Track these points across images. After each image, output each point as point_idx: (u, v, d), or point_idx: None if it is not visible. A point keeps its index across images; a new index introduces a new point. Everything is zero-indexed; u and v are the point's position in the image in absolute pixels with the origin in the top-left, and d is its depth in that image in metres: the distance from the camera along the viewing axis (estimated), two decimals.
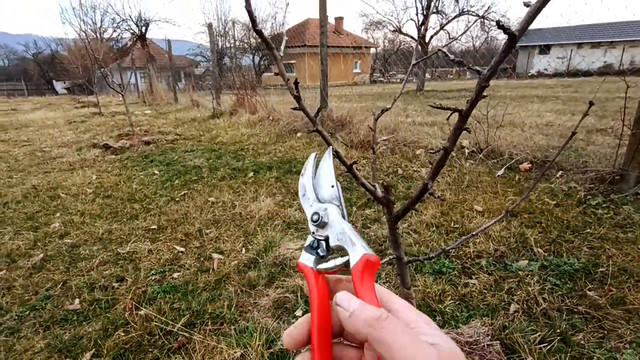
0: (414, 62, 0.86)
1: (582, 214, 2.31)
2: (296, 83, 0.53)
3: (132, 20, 22.21)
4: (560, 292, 1.58)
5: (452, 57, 0.47)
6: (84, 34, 10.37)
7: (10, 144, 6.03)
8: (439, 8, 12.88)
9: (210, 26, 8.15)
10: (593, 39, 28.05)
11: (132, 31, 23.41)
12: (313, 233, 0.36)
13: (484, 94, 0.40)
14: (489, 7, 13.64)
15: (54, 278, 1.97)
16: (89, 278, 1.95)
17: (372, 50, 38.77)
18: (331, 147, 0.41)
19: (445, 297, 1.60)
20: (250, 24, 0.44)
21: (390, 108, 0.90)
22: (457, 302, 1.56)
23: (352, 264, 0.31)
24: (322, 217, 0.35)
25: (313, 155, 0.42)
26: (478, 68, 0.40)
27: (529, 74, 30.68)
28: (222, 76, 11.64)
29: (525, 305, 1.53)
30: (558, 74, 28.40)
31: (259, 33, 0.45)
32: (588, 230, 2.11)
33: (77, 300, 1.76)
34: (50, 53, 37.86)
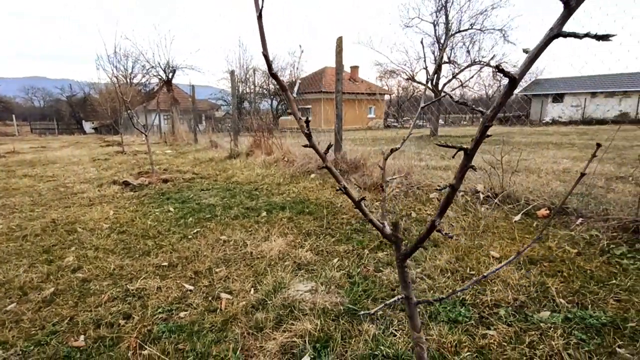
0: (422, 105, 0.88)
1: (606, 264, 2.21)
2: (307, 121, 0.55)
3: (161, 67, 23.68)
4: (587, 348, 1.47)
5: (455, 98, 0.49)
6: (115, 79, 11.08)
7: (36, 179, 6.27)
8: (451, 58, 13.36)
9: (232, 73, 8.63)
10: (607, 88, 28.31)
11: (159, 77, 24.88)
12: None
13: (489, 133, 0.40)
14: (499, 59, 14.09)
15: (62, 313, 1.96)
16: (96, 314, 1.93)
17: (386, 97, 39.95)
18: (342, 183, 0.40)
19: (462, 348, 1.50)
20: (267, 69, 0.47)
21: (399, 147, 0.92)
22: (474, 355, 1.47)
23: None
24: None
25: None
26: (481, 109, 0.42)
27: (543, 122, 30.83)
28: (241, 119, 12.09)
29: None
30: (573, 121, 28.46)
31: (274, 76, 0.48)
32: (614, 281, 2.00)
33: (82, 337, 1.73)
34: (82, 96, 40.35)
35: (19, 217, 3.86)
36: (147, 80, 28.84)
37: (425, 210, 3.38)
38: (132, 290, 2.19)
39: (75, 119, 40.84)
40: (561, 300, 1.84)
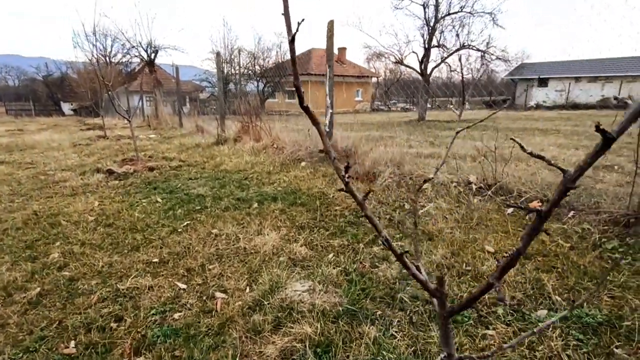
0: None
1: (599, 259, 2.24)
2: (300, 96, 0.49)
3: (142, 47, 22.81)
4: (585, 349, 1.49)
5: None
6: (94, 58, 10.59)
7: (14, 166, 6.01)
8: (440, 42, 13.24)
9: (218, 54, 8.34)
10: (590, 73, 28.75)
11: (141, 57, 24.02)
12: None
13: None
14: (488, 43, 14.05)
15: (49, 316, 1.88)
16: (86, 317, 1.86)
17: (374, 79, 39.70)
18: (383, 234, 0.34)
19: (463, 351, 1.50)
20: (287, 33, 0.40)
21: (432, 178, 0.86)
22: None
23: None
24: None
25: None
26: (562, 167, 0.36)
27: (528, 106, 31.24)
28: (227, 101, 11.82)
29: None
30: (557, 106, 28.93)
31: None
32: (607, 277, 2.03)
33: (72, 343, 1.67)
34: (60, 75, 38.71)
35: None
36: (127, 60, 27.81)
37: (419, 202, 3.37)
38: (123, 290, 2.12)
39: (52, 100, 39.28)
40: (557, 297, 1.86)
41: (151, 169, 5.15)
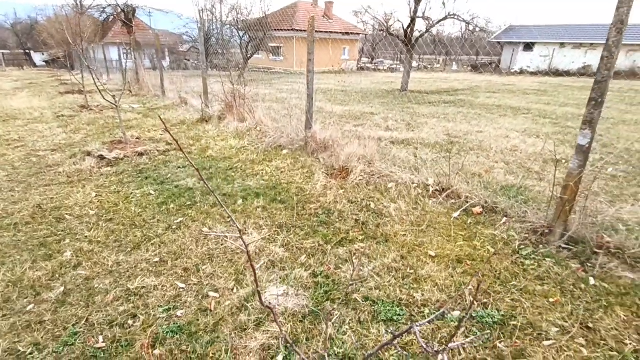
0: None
1: (514, 264, 2.84)
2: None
3: (119, 6, 21.57)
4: (477, 344, 2.09)
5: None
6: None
7: (3, 145, 6.19)
8: (426, 15, 13.20)
9: (200, 29, 8.29)
10: (576, 39, 28.91)
11: (118, 15, 22.74)
12: None
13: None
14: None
15: (77, 314, 2.37)
16: (106, 314, 2.36)
17: (361, 35, 38.70)
18: None
19: (393, 346, 2.09)
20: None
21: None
22: (399, 352, 2.06)
23: None
24: None
25: None
26: None
27: (512, 70, 31.45)
28: (209, 56, 11.74)
29: (451, 355, 2.04)
30: (540, 72, 29.26)
31: None
32: (514, 282, 2.63)
33: (100, 338, 2.18)
34: (29, 23, 36.28)
35: (1, 200, 4.04)
36: (104, 17, 26.30)
37: (382, 202, 3.89)
38: (133, 289, 2.61)
39: (23, 49, 37.06)
40: (472, 299, 2.46)
41: (140, 154, 5.47)
